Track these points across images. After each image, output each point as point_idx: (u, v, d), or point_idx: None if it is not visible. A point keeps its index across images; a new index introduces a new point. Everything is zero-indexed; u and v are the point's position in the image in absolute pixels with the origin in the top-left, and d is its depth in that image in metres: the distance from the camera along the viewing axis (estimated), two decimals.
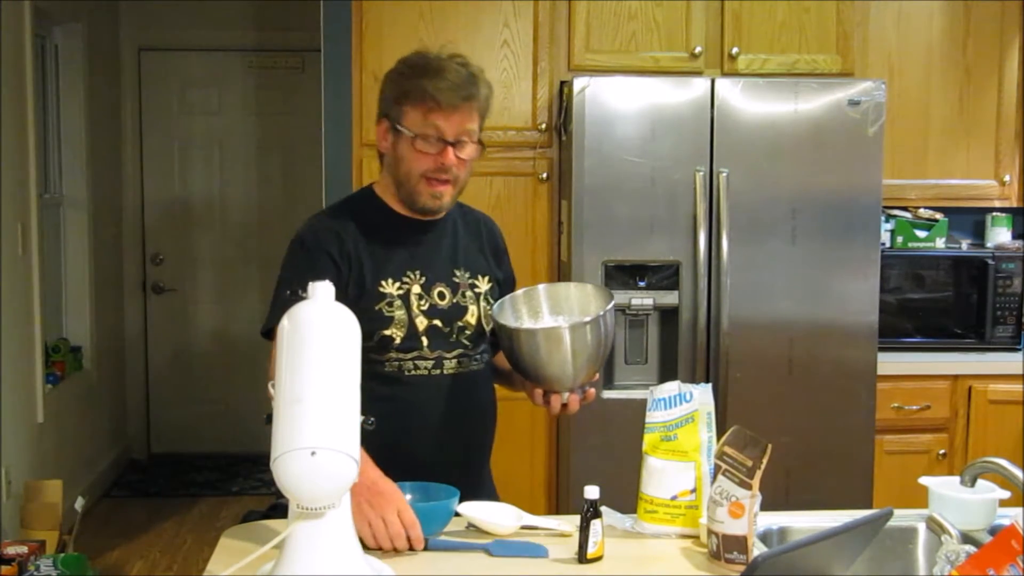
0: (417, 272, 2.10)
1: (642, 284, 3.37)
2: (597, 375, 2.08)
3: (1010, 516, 1.82)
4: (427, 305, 2.09)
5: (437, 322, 2.09)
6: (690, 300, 3.37)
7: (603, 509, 1.84)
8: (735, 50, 3.60)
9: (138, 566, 4.38)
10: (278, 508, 1.95)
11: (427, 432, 2.08)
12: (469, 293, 2.14)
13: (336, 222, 2.12)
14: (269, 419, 1.59)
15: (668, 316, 3.41)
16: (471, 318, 2.13)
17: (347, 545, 1.62)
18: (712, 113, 3.35)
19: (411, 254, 2.11)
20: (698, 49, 3.58)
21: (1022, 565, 1.54)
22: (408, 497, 1.96)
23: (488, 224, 2.29)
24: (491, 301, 2.15)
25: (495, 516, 1.93)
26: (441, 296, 2.11)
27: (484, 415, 2.19)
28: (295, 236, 2.13)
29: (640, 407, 1.98)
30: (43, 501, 3.91)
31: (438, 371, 2.08)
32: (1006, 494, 1.96)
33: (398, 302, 2.07)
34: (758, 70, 3.60)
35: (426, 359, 2.08)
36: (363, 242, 2.09)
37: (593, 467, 3.16)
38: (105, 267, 5.44)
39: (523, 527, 1.94)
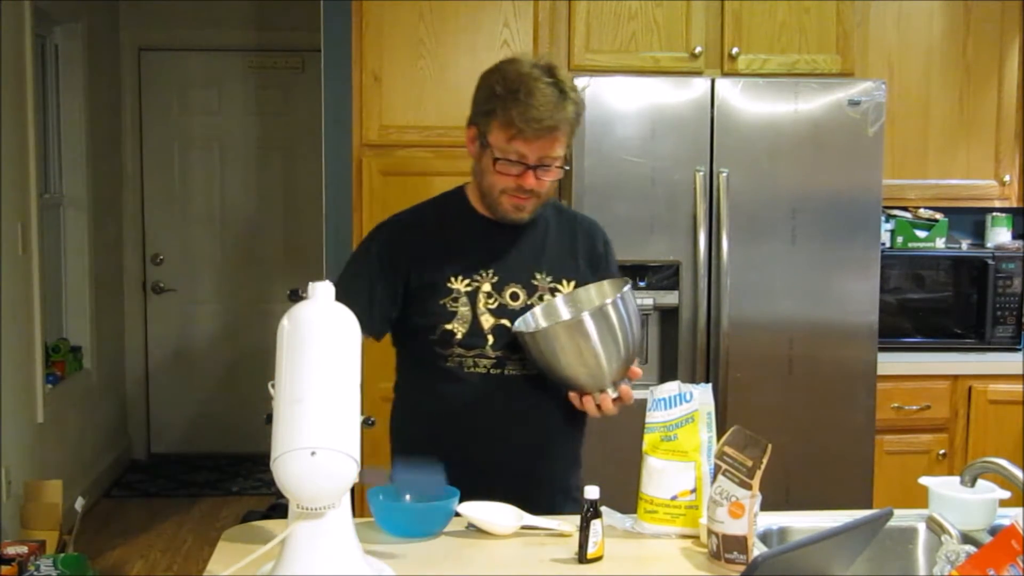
0: (490, 271, 2.10)
1: (642, 284, 3.37)
2: (635, 371, 2.04)
3: (1010, 516, 1.82)
4: (495, 304, 2.09)
5: (505, 322, 2.08)
6: (690, 300, 3.37)
7: (603, 509, 1.84)
8: (735, 50, 3.59)
9: (138, 566, 4.38)
10: (278, 508, 1.96)
11: (484, 432, 2.09)
12: (548, 296, 2.12)
13: (410, 219, 2.18)
14: (269, 419, 1.59)
15: (668, 316, 3.41)
16: None
17: (347, 545, 1.62)
18: (712, 113, 3.35)
19: (486, 253, 2.11)
20: (698, 49, 3.58)
21: (1022, 565, 1.54)
22: (408, 497, 1.97)
23: (588, 228, 2.25)
24: None
25: (495, 516, 1.93)
26: (514, 297, 2.10)
27: (549, 419, 2.13)
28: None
29: (640, 407, 1.98)
30: (43, 501, 3.91)
31: (498, 371, 2.08)
32: (1006, 494, 1.96)
33: (464, 299, 2.08)
34: (758, 70, 3.60)
35: (488, 358, 2.08)
36: (437, 239, 2.12)
37: (593, 467, 3.16)
38: (105, 267, 5.44)
39: (523, 527, 1.94)
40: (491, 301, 2.09)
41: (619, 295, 1.98)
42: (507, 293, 2.10)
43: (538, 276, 2.13)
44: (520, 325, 2.06)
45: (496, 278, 2.10)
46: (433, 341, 2.08)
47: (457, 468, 1.96)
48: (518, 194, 2.04)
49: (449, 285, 2.09)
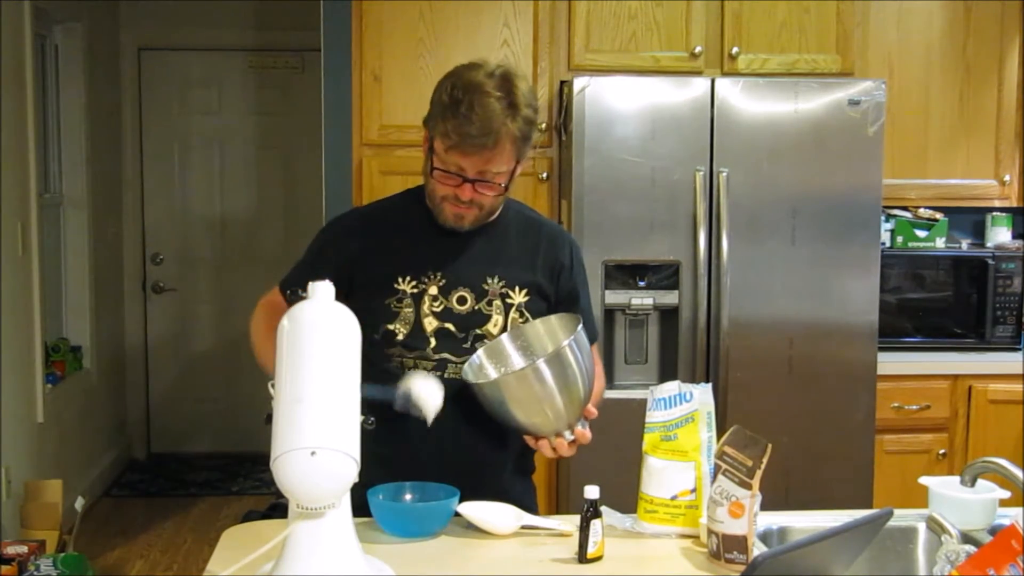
0: (438, 274, 2.07)
1: (642, 284, 3.37)
2: (591, 411, 2.00)
3: (1010, 516, 1.83)
4: (441, 307, 2.07)
5: (450, 326, 2.06)
6: (690, 300, 3.37)
7: (603, 509, 1.84)
8: (735, 50, 3.60)
9: (138, 566, 4.38)
10: (278, 508, 1.96)
11: (425, 434, 2.05)
12: (497, 302, 2.09)
13: (367, 213, 2.19)
14: (269, 419, 1.58)
15: (668, 316, 3.41)
16: (493, 327, 2.08)
17: (347, 545, 1.62)
18: (712, 113, 3.35)
19: (436, 256, 2.08)
20: (698, 49, 3.58)
21: (1022, 565, 1.54)
22: (408, 497, 1.97)
23: (554, 237, 2.19)
24: (524, 313, 2.09)
25: (495, 516, 1.93)
26: (461, 301, 2.08)
27: (491, 425, 2.06)
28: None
29: (640, 407, 1.98)
30: (43, 501, 3.91)
31: (439, 373, 2.04)
32: (1006, 494, 1.96)
33: (408, 300, 2.06)
34: (758, 70, 3.61)
35: (429, 360, 2.06)
36: (389, 237, 2.10)
37: (593, 467, 3.16)
38: (105, 267, 5.44)
39: (523, 527, 1.94)
40: (436, 304, 2.06)
41: (572, 337, 1.93)
42: (454, 297, 2.07)
43: (489, 281, 2.09)
44: (467, 369, 2.02)
45: (443, 281, 2.07)
46: (376, 341, 2.05)
47: (397, 468, 1.96)
48: (458, 204, 2.01)
49: (396, 286, 2.06)
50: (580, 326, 1.96)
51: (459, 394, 2.02)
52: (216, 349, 5.99)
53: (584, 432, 1.98)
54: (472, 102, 1.93)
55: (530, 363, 1.93)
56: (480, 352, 2.06)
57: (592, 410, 2.01)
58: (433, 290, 2.07)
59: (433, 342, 2.06)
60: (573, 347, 1.92)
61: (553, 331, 2.06)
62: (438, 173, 1.99)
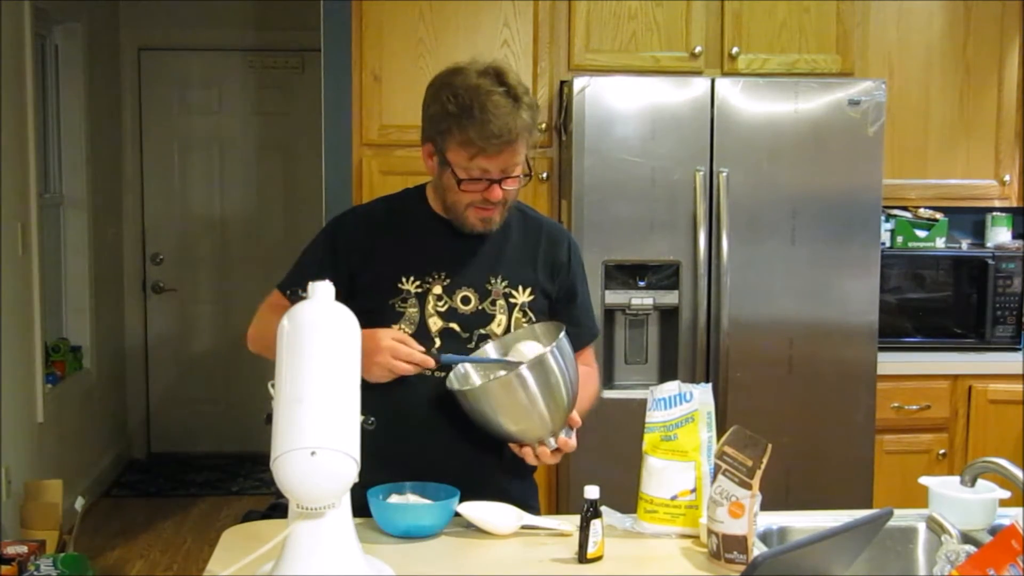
0: (442, 274, 2.07)
1: (642, 284, 3.37)
2: (574, 419, 1.99)
3: (1010, 516, 1.83)
4: (445, 307, 2.07)
5: (454, 326, 2.06)
6: (690, 300, 3.37)
7: (603, 509, 1.84)
8: (735, 50, 3.60)
9: (138, 566, 4.38)
10: (278, 508, 1.96)
11: (427, 434, 2.07)
12: (501, 302, 2.09)
13: (370, 213, 2.18)
14: (269, 419, 1.59)
15: (668, 316, 3.41)
16: (497, 327, 2.08)
17: (347, 545, 1.62)
18: (712, 113, 3.35)
19: (440, 255, 2.09)
20: (698, 49, 3.58)
21: (1022, 565, 1.54)
22: (408, 497, 1.97)
23: (553, 235, 2.20)
24: (528, 312, 2.10)
25: (495, 516, 1.93)
26: (465, 301, 2.08)
27: None
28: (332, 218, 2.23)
29: (640, 407, 1.98)
30: (43, 501, 3.91)
31: (443, 374, 2.04)
32: (1006, 494, 1.96)
33: (412, 300, 2.06)
34: (758, 70, 3.61)
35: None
36: (391, 237, 2.10)
37: (593, 467, 3.16)
38: (105, 267, 5.44)
39: (523, 527, 1.94)
40: (440, 304, 2.07)
41: (555, 344, 1.93)
42: (458, 297, 2.08)
43: (493, 280, 2.10)
44: (452, 378, 2.02)
45: (448, 280, 2.07)
46: None
47: (397, 468, 1.97)
48: (485, 206, 2.01)
49: (400, 286, 2.07)
50: (563, 333, 1.96)
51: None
52: (216, 349, 5.99)
53: (568, 440, 1.98)
54: (483, 104, 1.94)
55: (513, 370, 1.92)
56: (471, 356, 2.07)
57: (576, 418, 2.01)
58: (437, 290, 2.07)
59: (438, 342, 2.06)
60: (555, 354, 1.92)
61: (537, 339, 2.05)
62: (467, 183, 1.99)
